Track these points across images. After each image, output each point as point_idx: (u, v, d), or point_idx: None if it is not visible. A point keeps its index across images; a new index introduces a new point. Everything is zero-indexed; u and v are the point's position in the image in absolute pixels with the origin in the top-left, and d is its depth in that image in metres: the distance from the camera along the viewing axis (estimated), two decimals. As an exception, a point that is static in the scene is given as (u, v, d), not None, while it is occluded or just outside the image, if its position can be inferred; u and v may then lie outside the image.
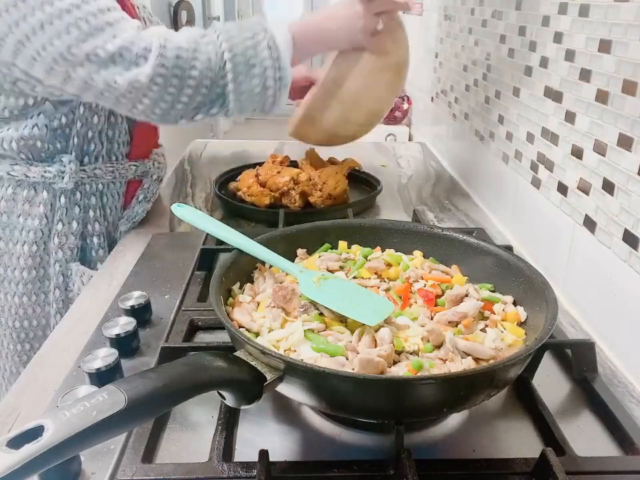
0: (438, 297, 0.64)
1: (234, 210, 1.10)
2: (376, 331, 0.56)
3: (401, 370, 0.52)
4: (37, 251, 0.95)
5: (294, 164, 1.24)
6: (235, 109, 0.84)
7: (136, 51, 0.78)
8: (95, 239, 0.98)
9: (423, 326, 0.58)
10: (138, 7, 1.02)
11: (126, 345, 0.65)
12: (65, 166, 0.91)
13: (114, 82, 0.78)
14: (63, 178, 0.92)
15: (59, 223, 0.94)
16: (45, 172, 0.91)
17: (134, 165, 1.01)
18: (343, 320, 0.59)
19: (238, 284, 0.66)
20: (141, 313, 0.71)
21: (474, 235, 0.80)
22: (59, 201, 0.94)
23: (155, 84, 0.78)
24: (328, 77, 0.96)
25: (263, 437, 0.55)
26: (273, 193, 1.09)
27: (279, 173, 1.12)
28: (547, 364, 0.66)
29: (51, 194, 0.93)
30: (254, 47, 0.82)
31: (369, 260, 0.70)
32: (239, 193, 1.12)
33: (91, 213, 0.97)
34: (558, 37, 0.83)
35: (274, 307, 0.61)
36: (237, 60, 0.81)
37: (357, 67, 0.95)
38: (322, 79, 0.96)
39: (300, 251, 0.73)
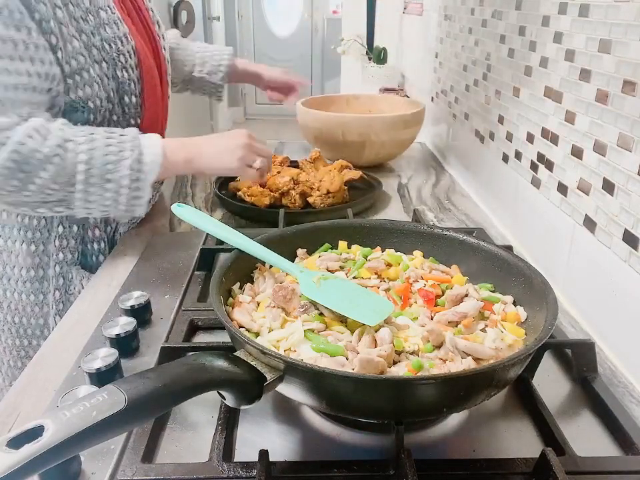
0: (438, 297, 0.64)
1: (234, 210, 1.10)
2: (376, 331, 0.56)
3: (401, 370, 0.52)
4: (35, 251, 0.95)
5: (294, 164, 1.25)
6: (81, 212, 0.84)
7: None
8: (96, 245, 0.98)
9: (423, 326, 0.58)
10: (152, 10, 1.04)
11: (126, 344, 0.65)
12: None
13: None
14: None
15: (60, 226, 0.94)
16: None
17: None
18: (343, 320, 0.59)
19: (238, 284, 0.66)
20: (141, 313, 0.71)
21: (474, 235, 0.80)
22: None
23: (3, 168, 0.76)
24: None
25: (263, 437, 0.55)
26: (272, 193, 1.09)
27: (279, 173, 1.12)
28: (547, 364, 0.66)
29: None
30: (115, 162, 0.81)
31: (369, 260, 0.70)
32: (239, 193, 1.12)
33: (92, 219, 0.97)
34: (558, 37, 0.83)
35: (274, 307, 0.61)
36: (91, 172, 0.80)
37: None
38: None
39: (300, 251, 0.73)
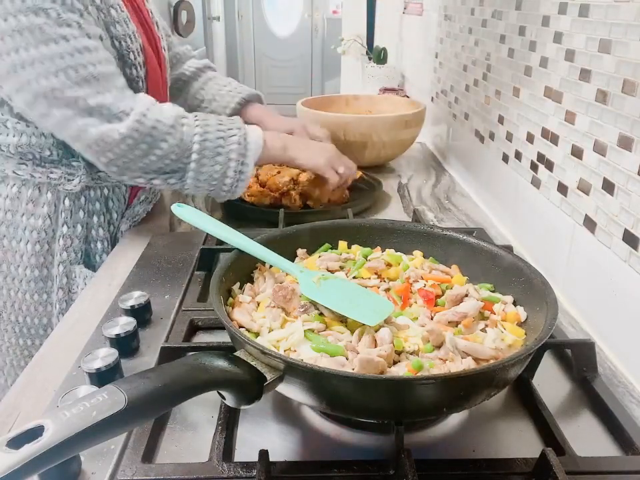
0: (438, 297, 0.64)
1: (234, 210, 1.10)
2: (376, 331, 0.56)
3: (401, 370, 0.52)
4: (40, 251, 0.95)
5: None
6: (191, 185, 0.91)
7: (115, 111, 0.83)
8: (99, 244, 1.00)
9: (422, 326, 0.58)
10: (151, 12, 1.04)
11: (126, 345, 0.65)
12: (75, 170, 0.93)
13: (85, 131, 0.82)
14: (70, 180, 0.93)
15: (64, 226, 0.95)
16: (51, 173, 0.92)
17: None
18: (343, 320, 0.59)
19: (238, 284, 0.66)
20: (141, 313, 0.71)
21: (474, 235, 0.80)
22: (63, 203, 0.95)
23: (124, 143, 0.84)
24: None
25: (263, 437, 0.55)
26: (272, 193, 1.09)
27: (279, 173, 1.12)
28: (547, 364, 0.66)
29: (55, 195, 0.94)
30: (225, 138, 0.90)
31: (369, 260, 0.70)
32: None
33: (95, 219, 0.98)
34: (558, 37, 0.83)
35: (274, 307, 0.61)
36: (205, 144, 0.88)
37: None
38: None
39: (300, 251, 0.73)
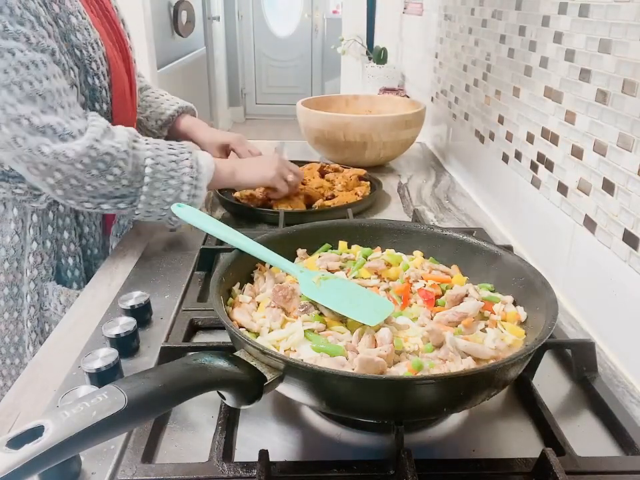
0: (438, 297, 0.64)
1: (234, 210, 1.10)
2: (376, 331, 0.56)
3: (401, 370, 0.52)
4: (9, 269, 0.93)
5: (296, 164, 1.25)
6: (142, 210, 0.88)
7: (61, 132, 0.79)
8: (70, 260, 0.97)
9: (423, 326, 0.58)
10: (116, 8, 1.00)
11: (126, 344, 0.65)
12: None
13: (38, 150, 0.78)
14: (37, 197, 0.91)
15: (33, 242, 0.93)
16: (16, 188, 0.90)
17: None
18: (342, 320, 0.59)
19: (238, 284, 0.66)
20: (141, 313, 0.71)
21: (474, 235, 0.80)
22: (31, 219, 0.92)
23: (80, 163, 0.80)
24: None
25: (263, 436, 0.55)
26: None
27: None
28: (547, 364, 0.66)
29: (21, 211, 0.92)
30: (177, 162, 0.89)
31: (369, 260, 0.70)
32: (235, 195, 1.13)
33: (66, 234, 0.96)
34: (558, 37, 0.83)
35: (274, 307, 0.61)
36: (157, 168, 0.87)
37: None
38: None
39: (300, 251, 0.73)
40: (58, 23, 0.83)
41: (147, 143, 0.88)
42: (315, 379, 0.47)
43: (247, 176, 1.01)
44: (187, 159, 0.89)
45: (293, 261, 0.70)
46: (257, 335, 0.58)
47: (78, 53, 0.86)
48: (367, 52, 2.37)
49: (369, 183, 1.20)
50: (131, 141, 0.86)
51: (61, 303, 0.94)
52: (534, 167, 0.92)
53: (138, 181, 0.86)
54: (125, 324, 0.66)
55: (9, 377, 0.99)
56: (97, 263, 1.01)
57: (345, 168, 1.24)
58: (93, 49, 0.88)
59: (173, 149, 0.90)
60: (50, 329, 0.95)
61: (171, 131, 1.20)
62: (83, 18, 0.87)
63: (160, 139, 1.12)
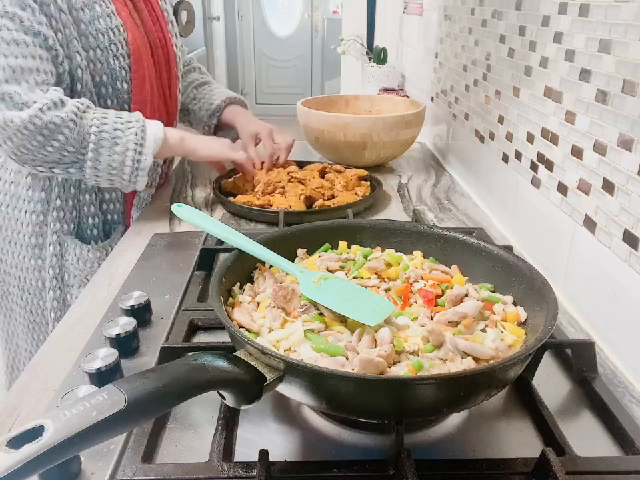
0: (438, 297, 0.64)
1: (234, 210, 1.10)
2: (376, 331, 0.56)
3: (401, 370, 0.52)
4: (36, 220, 1.07)
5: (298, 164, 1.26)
6: (90, 175, 0.97)
7: (17, 101, 0.89)
8: (90, 220, 1.10)
9: (423, 326, 0.58)
10: (166, 11, 1.15)
11: (126, 344, 0.65)
12: None
13: None
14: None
15: (57, 199, 1.06)
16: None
17: None
18: (342, 320, 0.59)
19: (238, 284, 0.66)
20: (141, 313, 0.71)
21: (474, 235, 0.80)
22: (57, 179, 1.05)
23: (21, 133, 0.90)
24: None
25: (263, 436, 0.55)
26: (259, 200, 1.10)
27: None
28: (547, 364, 0.66)
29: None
30: (123, 130, 0.96)
31: (369, 260, 0.70)
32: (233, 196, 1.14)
33: (87, 196, 1.08)
34: (558, 37, 0.83)
35: (274, 307, 0.61)
36: (102, 135, 0.95)
37: None
38: None
39: (300, 251, 0.73)
40: (85, 10, 0.97)
41: (94, 113, 0.96)
42: (315, 379, 0.47)
43: (198, 143, 1.09)
44: (133, 127, 0.97)
45: (293, 261, 0.70)
46: (257, 335, 0.58)
47: (100, 36, 0.99)
48: (367, 52, 2.37)
49: (369, 183, 1.20)
50: (80, 111, 0.94)
51: (76, 255, 1.08)
52: (534, 167, 0.92)
53: (83, 148, 0.94)
54: (125, 324, 0.66)
55: (36, 313, 1.14)
56: (116, 228, 1.14)
57: (347, 168, 1.24)
58: (114, 33, 1.00)
59: (120, 117, 0.97)
60: (68, 278, 1.10)
61: (219, 119, 1.32)
62: (107, 7, 0.99)
63: (210, 127, 1.32)
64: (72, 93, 1.00)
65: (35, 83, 0.91)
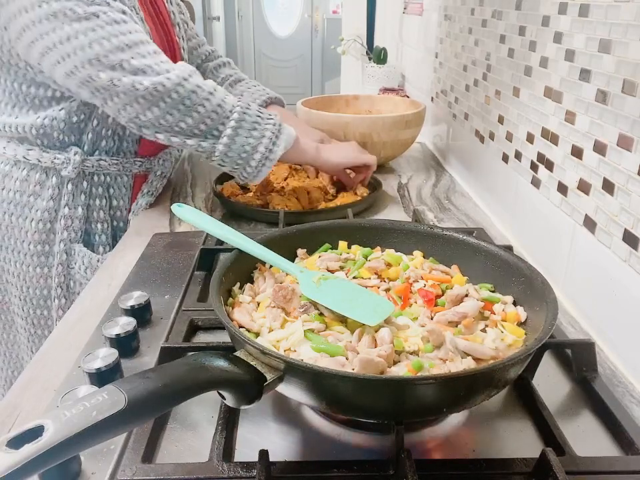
0: (438, 297, 0.64)
1: (234, 210, 1.10)
2: (376, 331, 0.56)
3: (401, 370, 0.52)
4: (43, 229, 1.06)
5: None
6: (221, 153, 0.94)
7: (158, 69, 0.89)
8: (99, 225, 1.09)
9: (423, 326, 0.58)
10: (173, 13, 1.13)
11: (126, 344, 0.65)
12: (71, 156, 1.01)
13: (140, 84, 0.88)
14: (67, 167, 1.02)
15: (66, 207, 1.05)
16: (55, 159, 1.02)
17: (139, 161, 1.11)
18: (342, 320, 0.59)
19: (238, 284, 0.66)
20: (141, 313, 0.71)
21: (474, 235, 0.80)
22: (67, 187, 1.04)
23: (175, 92, 0.89)
24: None
25: (263, 436, 0.55)
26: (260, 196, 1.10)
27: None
28: (547, 364, 0.66)
29: (59, 179, 1.04)
30: (263, 118, 0.96)
31: (369, 260, 0.70)
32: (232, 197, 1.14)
33: (97, 202, 1.08)
34: (558, 37, 0.83)
35: (274, 307, 0.61)
36: (245, 117, 0.94)
37: None
38: None
39: (300, 251, 0.73)
40: None
41: (239, 99, 0.97)
42: (315, 379, 0.47)
43: (331, 152, 1.08)
44: (272, 119, 0.97)
45: (293, 261, 0.70)
46: (257, 335, 0.58)
47: None
48: (367, 52, 2.37)
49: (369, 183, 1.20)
50: (222, 90, 0.95)
51: (83, 264, 1.07)
52: (534, 167, 0.92)
53: (222, 122, 0.93)
54: (125, 324, 0.66)
55: (38, 325, 1.12)
56: (122, 235, 1.10)
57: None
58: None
59: (261, 110, 0.97)
60: (74, 286, 1.09)
61: None
62: (137, 13, 0.99)
63: None
64: (91, 111, 1.01)
65: (156, 53, 0.91)
